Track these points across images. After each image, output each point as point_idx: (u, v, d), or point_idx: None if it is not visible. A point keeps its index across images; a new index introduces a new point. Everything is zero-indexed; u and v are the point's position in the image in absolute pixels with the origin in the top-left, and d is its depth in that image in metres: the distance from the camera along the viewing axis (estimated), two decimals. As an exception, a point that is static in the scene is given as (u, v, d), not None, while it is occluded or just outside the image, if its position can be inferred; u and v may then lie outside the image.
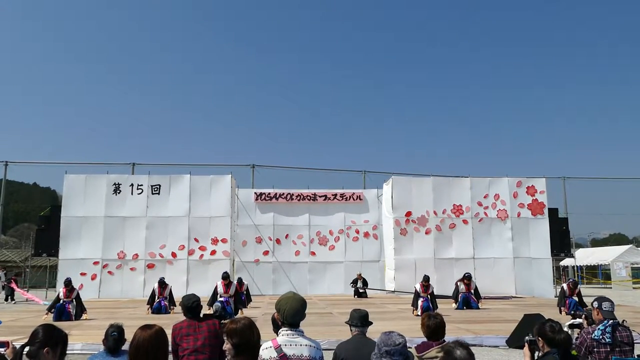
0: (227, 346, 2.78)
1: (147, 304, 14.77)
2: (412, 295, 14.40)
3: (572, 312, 11.23)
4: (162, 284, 14.92)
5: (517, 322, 8.89)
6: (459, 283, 15.57)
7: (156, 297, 14.74)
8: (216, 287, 14.06)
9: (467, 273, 15.84)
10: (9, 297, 21.52)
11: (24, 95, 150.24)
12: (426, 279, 14.13)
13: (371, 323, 4.27)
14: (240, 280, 16.27)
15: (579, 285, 14.70)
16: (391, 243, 21.64)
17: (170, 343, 3.94)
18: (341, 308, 14.71)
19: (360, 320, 4.14)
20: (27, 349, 2.59)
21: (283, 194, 24.15)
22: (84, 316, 12.93)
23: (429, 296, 13.72)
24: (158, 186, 21.70)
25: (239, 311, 13.78)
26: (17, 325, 11.12)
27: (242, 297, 15.96)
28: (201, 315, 4.75)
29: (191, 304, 4.68)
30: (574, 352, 4.46)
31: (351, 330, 4.23)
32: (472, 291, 15.40)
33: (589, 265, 37.90)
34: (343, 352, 3.88)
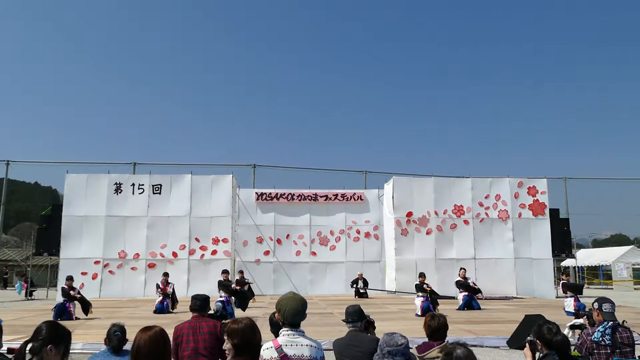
0: (227, 346, 2.77)
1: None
2: (413, 294, 14.37)
3: (575, 311, 11.25)
4: (166, 280, 14.74)
5: (517, 322, 8.87)
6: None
7: (159, 290, 14.49)
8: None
9: (461, 267, 15.94)
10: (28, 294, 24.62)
11: (25, 94, 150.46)
12: (421, 274, 14.33)
13: (365, 318, 4.24)
14: (242, 275, 16.60)
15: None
16: (392, 243, 21.61)
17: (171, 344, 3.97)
18: (342, 308, 14.52)
19: (352, 316, 4.15)
20: (29, 345, 2.56)
21: (284, 194, 24.12)
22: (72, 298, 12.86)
23: (428, 295, 13.70)
24: (159, 186, 21.69)
25: (252, 299, 14.83)
26: (19, 324, 11.13)
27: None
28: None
29: (199, 300, 4.75)
30: (575, 353, 4.46)
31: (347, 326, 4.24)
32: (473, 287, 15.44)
33: (590, 266, 37.86)
34: (337, 348, 3.89)
